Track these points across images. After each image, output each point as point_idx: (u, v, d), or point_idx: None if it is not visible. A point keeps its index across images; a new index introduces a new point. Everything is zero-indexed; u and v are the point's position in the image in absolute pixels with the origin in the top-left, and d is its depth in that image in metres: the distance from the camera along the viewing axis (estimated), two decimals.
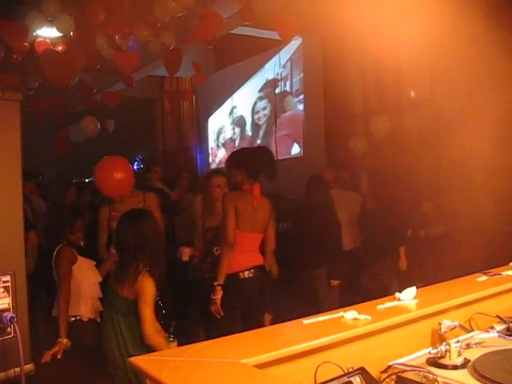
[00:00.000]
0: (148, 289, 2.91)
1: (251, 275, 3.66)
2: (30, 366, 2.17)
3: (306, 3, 6.97)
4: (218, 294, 3.58)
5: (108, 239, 4.22)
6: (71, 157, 11.15)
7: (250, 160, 3.78)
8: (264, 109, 11.01)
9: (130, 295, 2.95)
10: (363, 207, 5.38)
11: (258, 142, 11.19)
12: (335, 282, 4.97)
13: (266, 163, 3.79)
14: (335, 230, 5.02)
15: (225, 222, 3.63)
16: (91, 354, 3.53)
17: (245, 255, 3.68)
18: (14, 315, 2.09)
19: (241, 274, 3.64)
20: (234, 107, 11.98)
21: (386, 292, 2.14)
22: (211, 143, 12.90)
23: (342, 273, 5.04)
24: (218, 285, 3.59)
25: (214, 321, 3.67)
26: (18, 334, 2.00)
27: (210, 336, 3.49)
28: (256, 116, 11.31)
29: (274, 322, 5.43)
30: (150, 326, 2.85)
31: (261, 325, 3.67)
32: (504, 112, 5.34)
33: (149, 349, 2.79)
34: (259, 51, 10.44)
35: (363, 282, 5.17)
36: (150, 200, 4.43)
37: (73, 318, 3.62)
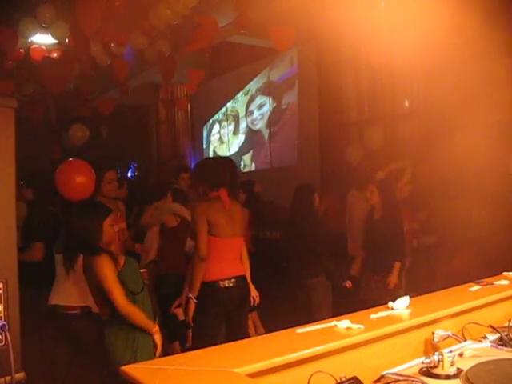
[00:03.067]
0: (101, 267, 2.96)
1: (231, 285, 3.63)
2: (21, 375, 2.15)
3: (301, 13, 7.00)
4: (192, 306, 3.57)
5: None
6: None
7: (210, 171, 3.78)
8: (259, 117, 11.04)
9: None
10: (371, 216, 5.32)
11: (252, 150, 11.22)
12: (348, 284, 4.97)
13: (226, 175, 3.78)
14: (324, 237, 5.03)
15: (196, 236, 3.60)
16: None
17: (226, 263, 3.66)
18: (5, 323, 2.07)
19: (221, 282, 3.61)
20: (229, 115, 12.00)
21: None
22: (205, 150, 12.91)
23: (341, 275, 5.03)
24: (190, 297, 3.58)
25: (197, 329, 3.66)
26: (10, 343, 1.98)
27: (195, 345, 3.52)
28: (251, 124, 11.33)
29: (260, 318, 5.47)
30: (120, 297, 2.92)
31: (245, 333, 3.65)
32: (497, 122, 5.38)
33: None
34: (254, 59, 10.48)
35: (360, 293, 5.15)
36: (121, 208, 4.68)
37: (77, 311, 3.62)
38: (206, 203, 3.70)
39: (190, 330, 3.92)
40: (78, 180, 4.10)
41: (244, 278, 3.78)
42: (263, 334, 4.80)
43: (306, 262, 4.97)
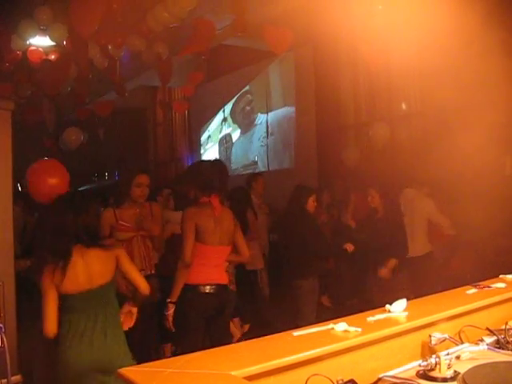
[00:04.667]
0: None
1: (212, 291, 3.62)
2: (17, 378, 2.14)
3: (299, 16, 7.01)
4: (170, 310, 3.55)
5: None
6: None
7: (200, 175, 3.76)
8: (256, 119, 11.06)
9: (110, 272, 2.91)
10: (372, 217, 5.34)
11: (251, 154, 11.24)
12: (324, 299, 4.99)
13: (216, 177, 3.75)
14: (317, 239, 5.03)
15: (183, 241, 3.58)
16: None
17: (210, 269, 3.64)
18: (1, 325, 2.07)
19: (201, 287, 3.60)
20: (226, 118, 12.01)
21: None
22: (204, 153, 12.91)
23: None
24: (171, 302, 3.56)
25: (179, 332, 3.66)
26: (6, 345, 1.98)
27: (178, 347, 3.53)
28: (248, 127, 11.34)
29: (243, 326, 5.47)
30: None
31: (225, 341, 3.63)
32: (495, 124, 5.39)
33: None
34: (252, 62, 10.49)
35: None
36: (156, 210, 4.40)
37: None
38: (195, 208, 3.67)
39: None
40: (49, 182, 3.85)
41: (225, 286, 3.76)
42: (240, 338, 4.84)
43: (295, 263, 4.99)
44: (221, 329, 3.76)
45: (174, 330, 3.59)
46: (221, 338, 3.64)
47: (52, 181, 3.88)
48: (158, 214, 4.38)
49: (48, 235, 2.83)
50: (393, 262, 4.95)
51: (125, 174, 4.33)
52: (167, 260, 5.00)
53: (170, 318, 3.55)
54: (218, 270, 3.72)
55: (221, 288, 3.69)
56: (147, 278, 3.57)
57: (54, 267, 2.68)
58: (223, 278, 3.74)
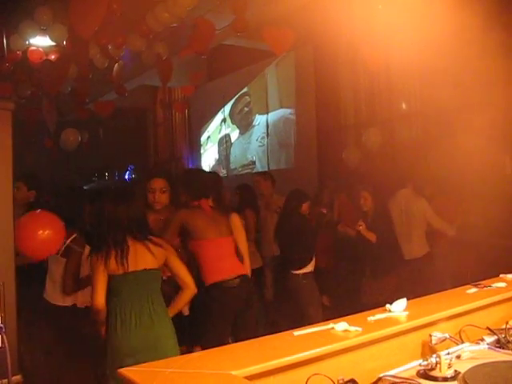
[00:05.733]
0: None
1: (235, 285, 3.62)
2: (17, 378, 2.14)
3: (299, 16, 7.02)
4: None
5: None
6: (62, 165, 11.13)
7: (194, 183, 3.80)
8: (254, 120, 11.07)
9: (158, 264, 2.99)
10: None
11: (249, 154, 11.25)
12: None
13: (209, 190, 3.81)
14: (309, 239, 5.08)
15: (165, 229, 3.65)
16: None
17: (224, 262, 3.65)
18: (2, 326, 2.07)
19: (224, 282, 3.60)
20: (225, 118, 12.02)
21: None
22: (203, 153, 12.92)
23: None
24: None
25: (205, 332, 3.64)
26: (7, 345, 1.98)
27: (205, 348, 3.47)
28: (246, 127, 11.36)
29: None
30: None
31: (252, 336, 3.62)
32: (494, 123, 5.38)
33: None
34: (252, 62, 10.49)
35: (362, 297, 5.18)
36: None
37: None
38: (186, 210, 3.73)
39: None
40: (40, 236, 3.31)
41: (247, 277, 3.76)
42: None
43: (289, 256, 5.03)
44: (249, 323, 3.73)
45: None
46: (249, 334, 3.59)
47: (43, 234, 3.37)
48: None
49: (103, 226, 2.97)
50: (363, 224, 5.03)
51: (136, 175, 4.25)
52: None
53: None
54: (233, 260, 3.73)
55: (244, 279, 3.69)
56: (168, 279, 3.57)
57: (106, 254, 2.87)
58: (242, 268, 3.75)
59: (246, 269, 3.88)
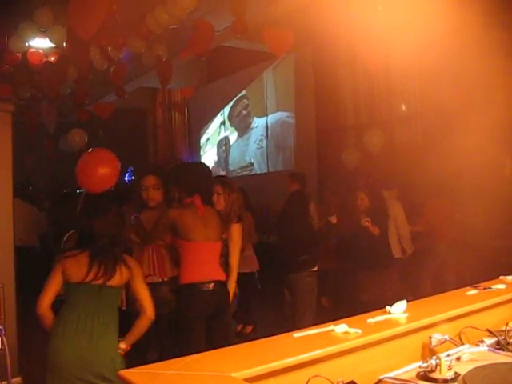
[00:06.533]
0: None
1: (210, 288, 3.59)
2: (17, 380, 2.14)
3: (298, 17, 7.02)
4: None
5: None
6: (61, 167, 11.13)
7: (186, 177, 3.77)
8: (252, 123, 11.09)
9: (120, 282, 2.93)
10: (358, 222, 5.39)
11: (247, 156, 11.27)
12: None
13: (201, 181, 3.77)
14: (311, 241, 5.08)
15: (155, 228, 3.69)
16: None
17: (204, 266, 3.61)
18: (1, 328, 2.07)
19: (199, 285, 3.57)
20: (224, 121, 12.04)
21: (376, 305, 2.14)
22: (203, 155, 12.93)
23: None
24: None
25: (179, 333, 3.64)
26: (6, 347, 1.98)
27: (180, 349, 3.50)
28: (244, 130, 11.38)
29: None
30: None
31: (226, 341, 3.59)
32: (494, 124, 5.39)
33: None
34: (252, 64, 10.50)
35: (355, 294, 5.19)
36: None
37: None
38: (178, 210, 3.70)
39: None
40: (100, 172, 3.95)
41: (224, 283, 3.73)
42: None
43: (288, 258, 5.03)
44: (221, 331, 3.69)
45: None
46: (221, 341, 3.53)
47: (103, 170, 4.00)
48: None
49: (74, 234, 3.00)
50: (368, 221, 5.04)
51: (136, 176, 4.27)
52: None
53: None
54: (213, 266, 3.68)
55: (219, 284, 3.66)
56: (157, 285, 3.53)
57: (70, 260, 2.81)
58: (220, 274, 3.71)
59: (232, 282, 3.85)
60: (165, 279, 4.04)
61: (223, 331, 3.72)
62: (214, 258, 3.73)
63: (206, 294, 3.58)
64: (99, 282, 2.81)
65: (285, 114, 10.15)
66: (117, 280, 2.88)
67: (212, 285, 3.59)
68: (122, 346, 2.89)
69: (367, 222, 5.13)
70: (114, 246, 2.93)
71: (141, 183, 3.99)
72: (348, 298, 5.46)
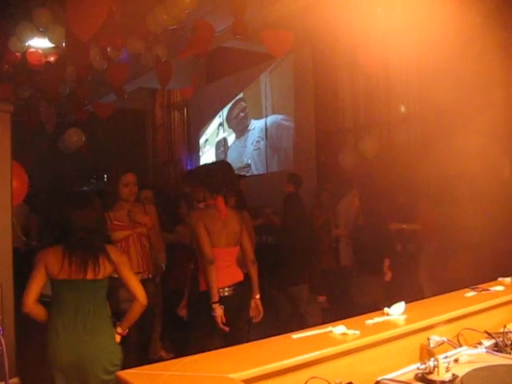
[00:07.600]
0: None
1: (231, 292, 3.59)
2: (15, 380, 2.14)
3: (298, 19, 7.03)
4: (217, 311, 3.49)
5: None
6: (60, 167, 11.13)
7: (209, 176, 3.75)
8: (250, 125, 11.11)
9: (104, 274, 2.91)
10: (355, 222, 5.41)
11: (245, 157, 11.29)
12: (321, 298, 5.02)
13: (225, 178, 3.75)
14: (313, 247, 5.09)
15: (199, 241, 3.58)
16: None
17: (224, 271, 3.61)
18: (0, 328, 2.06)
19: (221, 291, 3.56)
20: (222, 122, 12.06)
21: (374, 307, 2.14)
22: (201, 156, 12.93)
23: (324, 289, 5.07)
24: (214, 303, 3.50)
25: (197, 336, 3.63)
26: (4, 348, 1.98)
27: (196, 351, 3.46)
28: (242, 132, 11.41)
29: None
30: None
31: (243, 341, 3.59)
32: (493, 126, 5.39)
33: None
34: (251, 64, 10.50)
35: (353, 297, 5.20)
36: (152, 211, 4.38)
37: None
38: (202, 211, 3.71)
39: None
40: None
41: (243, 283, 3.73)
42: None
43: (292, 270, 5.03)
44: (240, 329, 3.71)
45: (227, 330, 3.51)
46: (239, 338, 3.52)
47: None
48: (152, 212, 4.36)
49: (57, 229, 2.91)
50: (387, 262, 5.00)
51: (112, 174, 4.33)
52: (172, 273, 5.02)
53: (219, 319, 3.48)
54: (233, 268, 3.69)
55: (239, 286, 3.67)
56: (144, 282, 3.54)
57: (52, 255, 2.76)
58: (239, 275, 3.72)
59: (253, 276, 3.81)
60: (150, 276, 4.21)
61: (242, 329, 3.74)
62: (233, 262, 3.73)
63: (226, 299, 3.56)
64: (82, 276, 2.80)
65: (280, 116, 10.19)
66: (101, 273, 2.86)
67: (232, 289, 3.61)
68: (119, 330, 2.93)
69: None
70: (92, 239, 2.89)
71: (123, 180, 4.16)
72: (347, 300, 5.46)
